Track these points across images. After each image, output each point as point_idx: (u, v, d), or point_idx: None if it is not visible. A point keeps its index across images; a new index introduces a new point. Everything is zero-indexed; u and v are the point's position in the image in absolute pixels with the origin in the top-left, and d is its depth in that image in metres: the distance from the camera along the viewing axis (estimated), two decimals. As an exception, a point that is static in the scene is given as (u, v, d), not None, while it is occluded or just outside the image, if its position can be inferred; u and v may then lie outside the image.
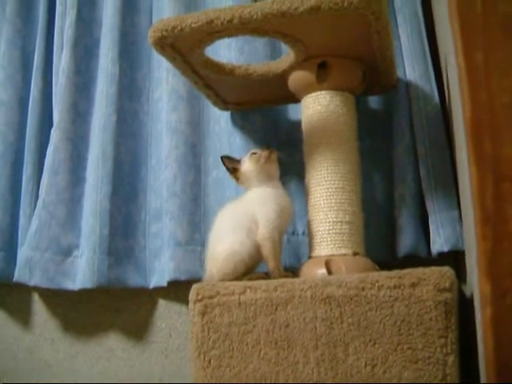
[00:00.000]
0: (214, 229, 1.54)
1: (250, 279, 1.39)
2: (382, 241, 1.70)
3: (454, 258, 1.58)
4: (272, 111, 1.86)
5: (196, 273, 1.76)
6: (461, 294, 1.29)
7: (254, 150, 1.59)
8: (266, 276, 1.43)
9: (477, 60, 0.79)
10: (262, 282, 1.29)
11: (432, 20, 1.76)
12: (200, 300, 1.30)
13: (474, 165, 0.81)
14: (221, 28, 1.38)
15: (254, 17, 1.34)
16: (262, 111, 1.85)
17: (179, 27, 1.39)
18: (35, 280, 1.88)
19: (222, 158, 1.61)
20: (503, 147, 0.80)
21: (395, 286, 1.19)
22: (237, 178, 1.59)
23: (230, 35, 1.45)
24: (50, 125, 2.02)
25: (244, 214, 1.50)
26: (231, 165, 1.59)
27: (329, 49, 1.50)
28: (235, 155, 1.64)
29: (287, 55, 1.59)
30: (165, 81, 1.95)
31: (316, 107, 1.54)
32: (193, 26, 1.38)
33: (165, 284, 1.83)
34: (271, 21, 1.35)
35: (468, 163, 0.83)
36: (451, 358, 1.14)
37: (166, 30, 1.40)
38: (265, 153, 1.56)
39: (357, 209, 1.50)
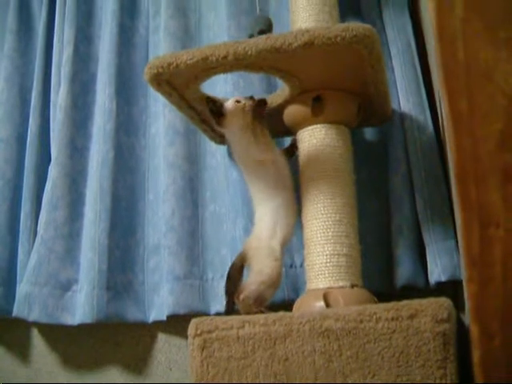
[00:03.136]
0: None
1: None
2: (379, 272, 1.69)
3: (453, 287, 1.58)
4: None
5: (195, 307, 1.76)
6: (459, 323, 1.29)
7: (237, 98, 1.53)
8: (266, 310, 1.43)
9: (461, 107, 0.80)
10: (261, 316, 1.28)
11: (425, 51, 1.78)
12: (199, 334, 1.29)
13: (461, 210, 0.82)
14: (216, 64, 1.40)
15: (249, 53, 1.35)
16: (258, 145, 1.85)
17: (175, 64, 1.40)
18: (34, 315, 1.87)
19: (206, 98, 1.52)
20: (488, 193, 0.80)
21: (393, 318, 1.19)
22: (219, 123, 1.50)
23: (225, 71, 1.47)
24: (48, 161, 2.04)
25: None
26: (215, 107, 1.49)
27: (323, 83, 1.51)
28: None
29: (282, 89, 1.60)
30: (161, 115, 1.97)
31: (312, 141, 1.55)
32: (188, 62, 1.39)
33: (164, 318, 1.82)
34: (265, 57, 1.37)
35: (457, 208, 0.83)
36: (450, 390, 1.14)
37: (162, 67, 1.42)
38: (249, 102, 1.50)
39: (354, 241, 1.50)
